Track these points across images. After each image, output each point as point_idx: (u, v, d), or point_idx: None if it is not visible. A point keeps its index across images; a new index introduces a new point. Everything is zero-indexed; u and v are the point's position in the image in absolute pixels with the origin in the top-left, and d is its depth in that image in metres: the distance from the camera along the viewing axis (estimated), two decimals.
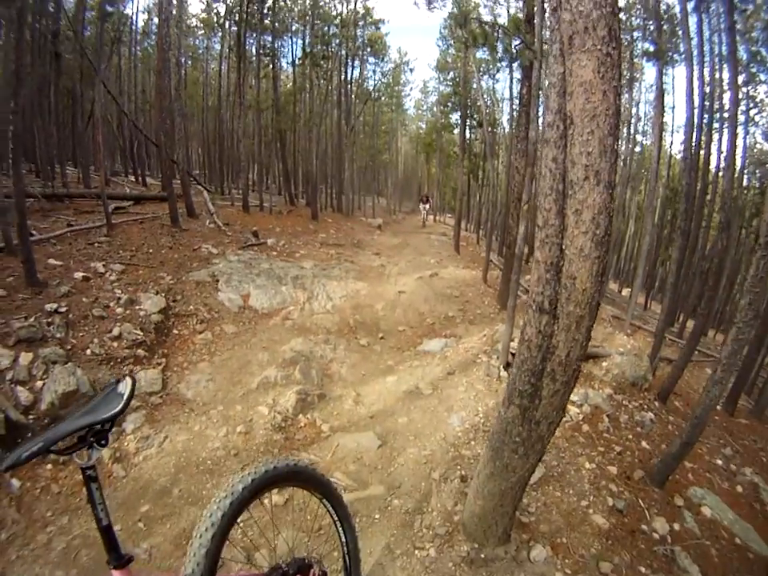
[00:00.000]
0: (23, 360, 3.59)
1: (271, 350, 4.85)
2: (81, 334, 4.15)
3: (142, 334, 4.46)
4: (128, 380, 1.26)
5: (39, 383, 3.50)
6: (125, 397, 1.20)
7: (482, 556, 2.37)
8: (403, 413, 3.88)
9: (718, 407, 4.63)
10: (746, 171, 12.56)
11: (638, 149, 16.08)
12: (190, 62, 20.00)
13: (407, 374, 4.64)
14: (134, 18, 15.82)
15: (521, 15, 7.01)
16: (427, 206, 18.98)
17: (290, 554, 1.69)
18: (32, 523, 2.65)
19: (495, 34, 7.13)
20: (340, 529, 1.83)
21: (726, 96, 7.86)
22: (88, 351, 4.00)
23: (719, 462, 3.85)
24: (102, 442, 1.14)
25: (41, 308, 4.17)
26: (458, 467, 3.10)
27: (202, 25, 17.50)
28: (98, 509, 1.13)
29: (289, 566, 1.54)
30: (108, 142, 15.08)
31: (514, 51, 7.74)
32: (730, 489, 3.55)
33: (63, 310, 4.28)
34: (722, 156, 8.17)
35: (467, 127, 15.42)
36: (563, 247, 1.67)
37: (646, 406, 4.31)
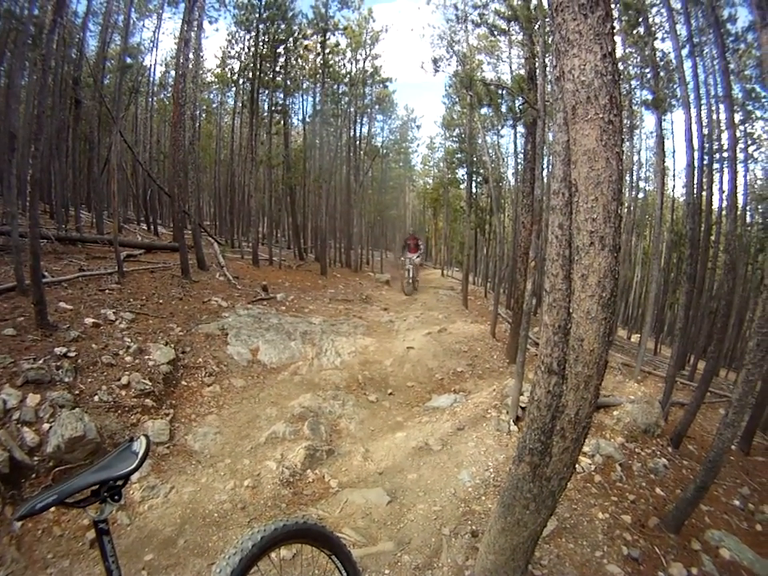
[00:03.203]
0: (30, 401, 3.63)
1: (280, 405, 4.86)
2: (89, 380, 4.18)
3: (150, 384, 4.48)
4: (143, 439, 1.31)
5: (46, 426, 3.51)
6: (139, 455, 1.26)
7: None
8: (413, 469, 3.83)
9: (733, 447, 4.54)
10: (748, 208, 12.67)
11: (641, 195, 16.29)
12: (204, 116, 20.72)
13: (416, 430, 4.60)
14: (152, 69, 16.44)
15: (523, 72, 7.31)
16: (415, 257, 12.60)
17: None
18: (32, 563, 2.65)
19: (499, 92, 7.46)
20: None
21: (725, 136, 8.06)
22: (96, 398, 4.02)
23: (736, 502, 3.76)
24: (116, 497, 1.18)
25: (50, 351, 4.22)
26: (469, 522, 3.05)
27: (216, 80, 18.19)
28: (110, 561, 1.17)
29: None
30: (122, 190, 15.52)
31: (518, 110, 8.06)
32: (748, 528, 3.45)
33: (72, 354, 4.34)
34: (724, 195, 8.28)
35: (473, 182, 15.75)
36: (570, 310, 1.74)
37: (659, 453, 4.24)
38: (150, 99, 17.21)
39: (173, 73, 12.62)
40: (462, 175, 17.17)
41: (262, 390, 5.23)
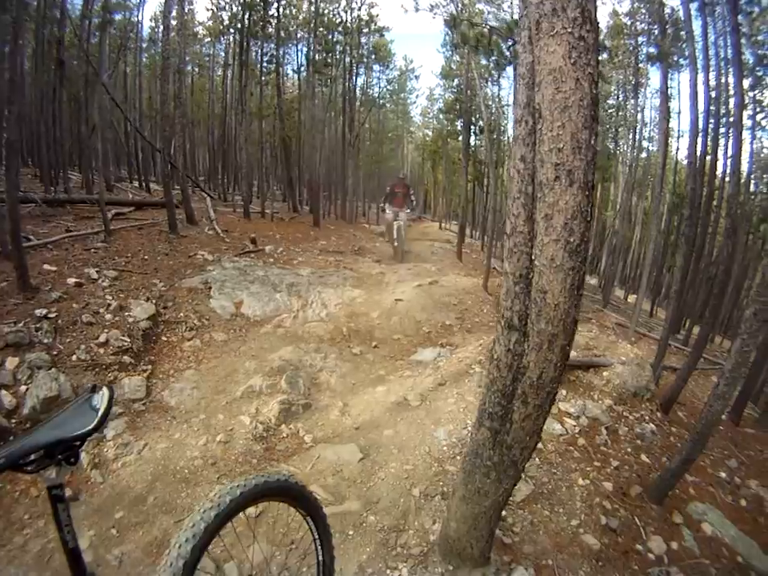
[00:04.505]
0: (9, 364, 3.59)
1: (260, 359, 4.75)
2: (68, 340, 4.12)
3: (129, 340, 4.40)
4: (104, 391, 1.13)
5: (23, 388, 3.49)
6: (100, 412, 1.08)
7: None
8: (389, 425, 3.74)
9: (723, 417, 4.43)
10: (752, 176, 12.35)
11: (643, 154, 15.91)
12: (197, 69, 20.20)
13: (397, 385, 4.49)
14: (140, 25, 16.03)
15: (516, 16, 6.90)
16: (402, 214, 9.84)
17: (267, 568, 1.64)
18: (10, 525, 2.64)
19: (492, 37, 7.00)
20: (319, 548, 1.76)
21: (732, 100, 7.70)
22: (74, 357, 3.97)
23: (723, 474, 3.65)
24: (72, 459, 1.02)
25: (30, 313, 4.15)
26: (441, 483, 2.96)
27: (208, 33, 17.71)
28: (65, 531, 1.03)
29: None
30: (115, 148, 15.27)
31: (508, 54, 7.61)
32: (733, 503, 3.34)
33: (53, 315, 4.26)
34: (729, 161, 8.01)
35: (472, 134, 15.28)
36: (533, 257, 1.53)
37: (647, 418, 4.11)
38: (140, 55, 16.79)
39: (162, 27, 12.17)
40: (461, 127, 16.68)
41: (244, 343, 5.12)
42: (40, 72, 9.77)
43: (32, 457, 0.97)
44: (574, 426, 3.71)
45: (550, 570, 2.41)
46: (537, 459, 3.24)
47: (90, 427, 1.04)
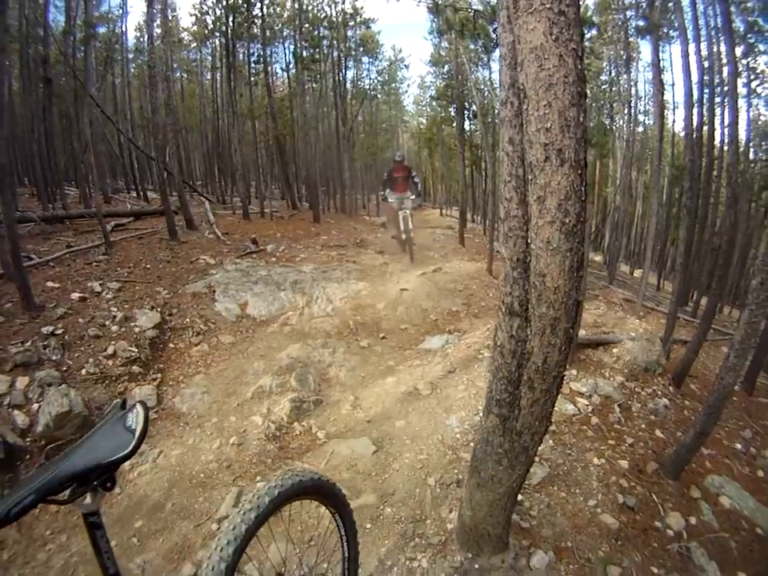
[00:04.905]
0: (20, 384, 3.63)
1: (268, 358, 4.77)
2: (76, 355, 4.16)
3: (136, 350, 4.43)
4: (139, 410, 1.04)
5: (35, 406, 3.52)
6: (137, 433, 0.99)
7: (476, 566, 2.23)
8: (401, 416, 3.74)
9: (736, 387, 4.37)
10: (751, 144, 12.18)
11: (640, 128, 15.78)
12: (186, 75, 20.19)
13: (407, 375, 4.49)
14: (125, 36, 16.13)
15: None
16: (407, 200, 8.45)
17: (301, 567, 1.71)
18: (32, 542, 2.67)
19: (477, 21, 6.90)
20: (345, 544, 1.77)
21: (726, 69, 7.61)
22: (83, 371, 4.01)
23: (738, 445, 3.60)
24: (108, 484, 0.95)
25: (37, 331, 4.20)
26: (455, 471, 2.96)
27: (193, 38, 17.69)
28: (105, 557, 0.98)
29: None
30: (110, 160, 15.32)
31: (495, 36, 7.49)
32: (750, 474, 3.30)
33: (59, 332, 4.31)
34: (726, 130, 7.93)
35: (466, 119, 15.18)
36: (528, 241, 1.50)
37: (659, 392, 4.08)
38: (127, 66, 16.86)
39: (146, 36, 12.19)
40: (454, 113, 16.67)
41: (251, 344, 5.14)
42: (28, 92, 9.83)
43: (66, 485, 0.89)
44: (587, 405, 3.69)
45: (570, 552, 2.39)
46: (551, 441, 3.23)
47: (127, 451, 0.96)
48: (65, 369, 3.94)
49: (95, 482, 0.92)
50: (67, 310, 4.65)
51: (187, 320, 5.27)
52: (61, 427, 3.41)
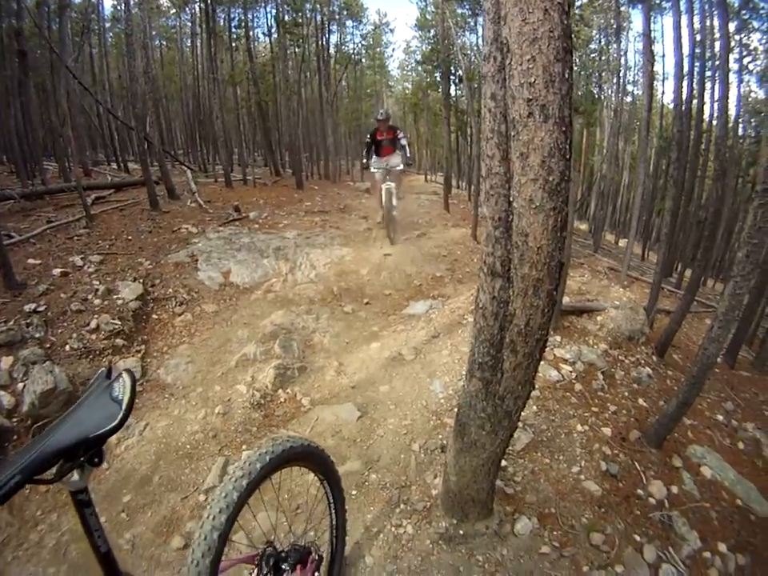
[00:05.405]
0: (4, 364, 3.57)
1: (252, 326, 4.72)
2: (60, 331, 4.09)
3: (119, 323, 4.36)
4: (125, 379, 0.97)
5: (20, 385, 3.46)
6: (123, 404, 0.92)
7: (461, 532, 2.26)
8: (385, 381, 3.75)
9: (719, 360, 4.44)
10: (741, 120, 12.23)
11: (629, 98, 15.66)
12: (165, 43, 19.50)
13: (391, 340, 4.48)
14: (101, 5, 15.57)
15: None
16: (393, 164, 7.20)
17: (289, 534, 1.68)
18: (24, 524, 2.67)
19: None
20: (333, 511, 1.80)
21: (718, 44, 7.57)
22: (67, 347, 3.94)
23: (720, 417, 3.68)
24: (96, 459, 0.90)
25: (20, 310, 4.11)
26: (440, 436, 2.98)
27: (172, 4, 17.03)
28: (95, 535, 0.93)
29: (288, 554, 1.46)
30: (89, 133, 14.87)
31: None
32: (731, 446, 3.38)
33: (42, 308, 4.22)
34: (716, 104, 7.89)
35: (451, 84, 14.89)
36: (511, 199, 1.46)
37: (643, 361, 4.13)
38: (104, 36, 16.32)
39: (123, 4, 11.65)
40: (439, 78, 16.35)
41: (235, 312, 5.09)
42: (2, 66, 9.37)
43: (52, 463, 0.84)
44: (571, 371, 3.72)
45: (554, 519, 2.43)
46: (534, 407, 3.26)
47: (115, 423, 0.89)
48: (48, 346, 3.87)
49: (82, 458, 0.87)
50: (49, 286, 4.55)
51: (170, 290, 5.19)
52: (46, 405, 3.38)
